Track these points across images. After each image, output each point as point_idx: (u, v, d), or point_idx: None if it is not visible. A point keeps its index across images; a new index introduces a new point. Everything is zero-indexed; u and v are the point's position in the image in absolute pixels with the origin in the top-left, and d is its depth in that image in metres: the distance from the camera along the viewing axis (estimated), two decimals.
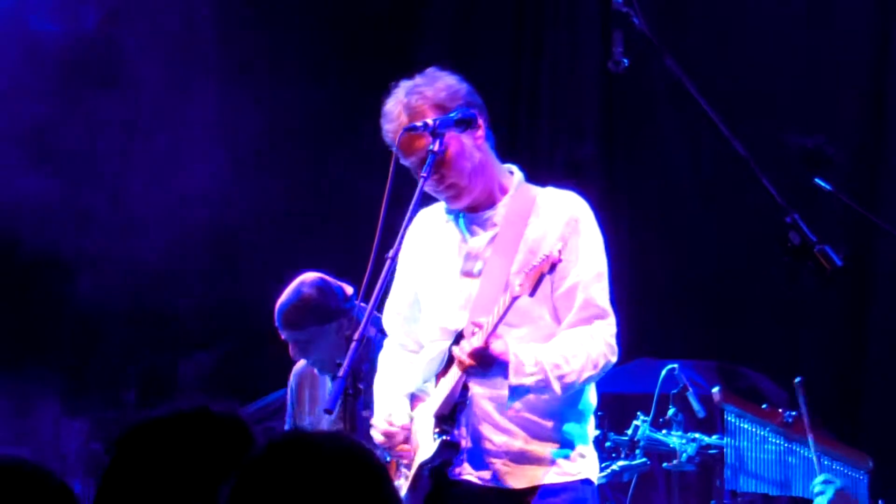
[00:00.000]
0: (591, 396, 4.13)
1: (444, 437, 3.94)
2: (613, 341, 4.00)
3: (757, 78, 6.51)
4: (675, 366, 5.39)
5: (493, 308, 3.87)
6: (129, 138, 6.77)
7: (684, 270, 6.24)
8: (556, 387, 3.90)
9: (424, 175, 3.94)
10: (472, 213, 4.11)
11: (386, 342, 4.33)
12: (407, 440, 4.05)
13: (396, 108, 4.04)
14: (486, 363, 3.88)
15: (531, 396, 3.94)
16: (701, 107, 5.87)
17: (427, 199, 4.05)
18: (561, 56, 6.61)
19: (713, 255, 6.41)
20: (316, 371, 5.36)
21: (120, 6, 6.77)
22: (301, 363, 5.43)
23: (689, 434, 5.35)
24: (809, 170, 5.97)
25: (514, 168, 4.18)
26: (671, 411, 5.39)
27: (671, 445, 5.31)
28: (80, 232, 6.60)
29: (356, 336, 3.76)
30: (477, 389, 3.98)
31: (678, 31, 6.62)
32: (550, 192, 4.12)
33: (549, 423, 4.02)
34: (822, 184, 5.79)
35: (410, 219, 3.89)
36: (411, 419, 4.08)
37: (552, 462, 4.01)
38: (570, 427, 4.05)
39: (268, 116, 6.89)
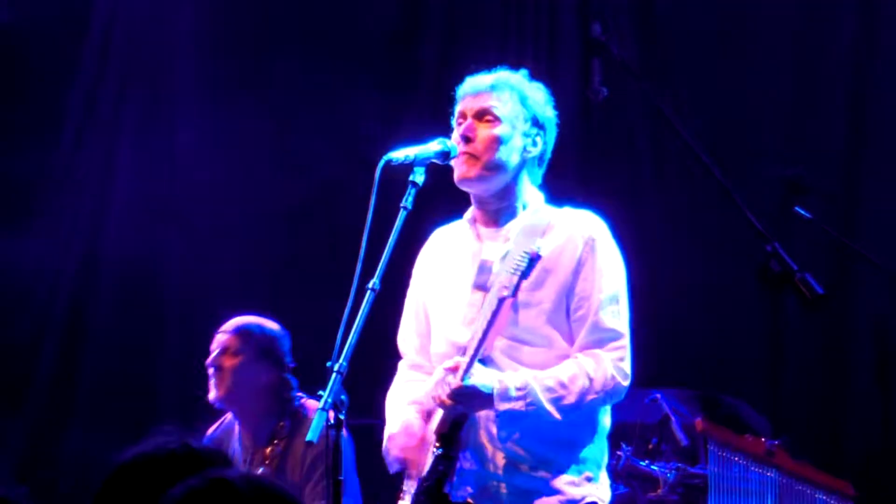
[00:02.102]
0: (604, 419, 4.05)
1: (438, 452, 3.91)
2: (624, 365, 3.94)
3: (738, 107, 6.52)
4: (658, 395, 5.38)
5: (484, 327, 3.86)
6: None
7: (666, 299, 6.24)
8: (552, 410, 3.85)
9: (406, 207, 3.94)
10: (487, 228, 4.10)
11: (399, 365, 4.29)
12: (423, 451, 3.98)
13: (486, 76, 4.11)
14: (470, 399, 3.86)
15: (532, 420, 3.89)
16: (681, 136, 5.89)
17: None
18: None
19: (695, 284, 6.41)
20: (234, 428, 5.24)
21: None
22: (208, 433, 5.28)
23: (671, 463, 5.34)
24: (789, 199, 5.99)
25: (538, 191, 4.17)
26: (654, 441, 5.37)
27: (654, 475, 5.30)
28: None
29: (336, 368, 3.73)
30: (480, 411, 3.95)
31: (659, 61, 6.63)
32: (566, 212, 4.11)
33: (555, 448, 3.95)
34: (802, 212, 5.81)
35: (391, 249, 3.87)
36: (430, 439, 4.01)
37: (556, 489, 3.93)
38: (577, 451, 3.97)
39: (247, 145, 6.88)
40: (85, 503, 2.26)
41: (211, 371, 5.13)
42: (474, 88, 4.10)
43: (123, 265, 6.73)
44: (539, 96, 4.13)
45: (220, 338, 5.18)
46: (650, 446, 5.37)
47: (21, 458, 6.56)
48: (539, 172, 4.14)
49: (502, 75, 4.12)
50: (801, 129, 6.48)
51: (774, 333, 6.38)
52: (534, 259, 3.83)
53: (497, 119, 4.04)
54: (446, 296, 4.11)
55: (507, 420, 3.87)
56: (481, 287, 4.01)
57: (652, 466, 5.31)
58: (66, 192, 6.75)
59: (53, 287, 6.72)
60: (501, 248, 4.03)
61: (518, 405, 3.84)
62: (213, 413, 5.28)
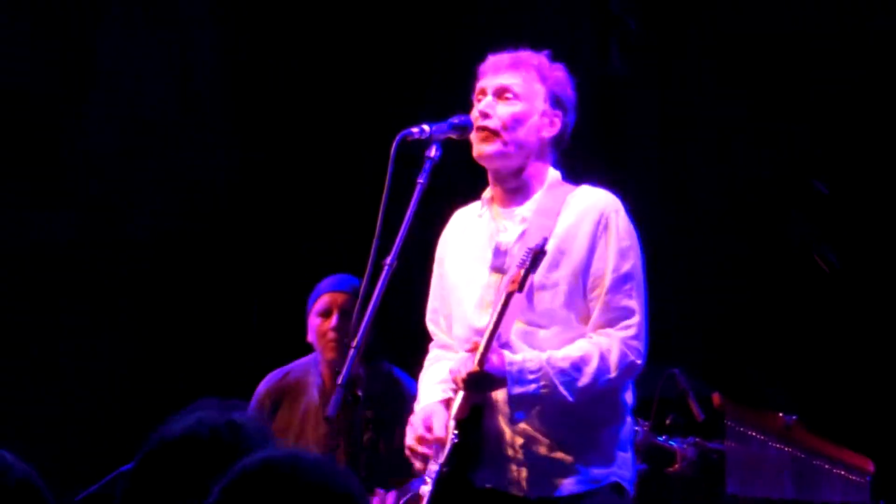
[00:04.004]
0: (626, 397, 4.04)
1: (455, 441, 3.92)
2: (637, 343, 3.92)
3: (756, 75, 6.46)
4: (675, 371, 5.37)
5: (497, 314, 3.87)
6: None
7: (685, 272, 6.23)
8: (566, 393, 3.84)
9: (421, 181, 3.94)
10: (504, 208, 4.10)
11: (430, 347, 4.30)
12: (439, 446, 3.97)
13: (505, 55, 4.10)
14: (485, 384, 3.88)
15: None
16: (699, 110, 5.87)
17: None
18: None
19: (714, 259, 6.40)
20: (309, 379, 5.24)
21: None
22: (273, 375, 5.28)
23: (689, 439, 5.34)
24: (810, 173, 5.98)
25: (553, 170, 4.17)
26: (671, 416, 5.37)
27: (671, 450, 5.30)
28: None
29: (354, 343, 3.74)
30: (498, 395, 3.94)
31: (677, 35, 6.60)
32: (583, 189, 4.10)
33: (575, 429, 3.94)
34: (820, 187, 5.80)
35: (408, 224, 3.87)
36: (448, 426, 3.99)
37: (577, 469, 3.92)
38: (598, 431, 3.97)
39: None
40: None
41: (334, 334, 5.13)
42: (495, 65, 4.09)
43: (150, 239, 6.75)
44: (560, 77, 4.11)
45: (338, 299, 5.18)
46: (667, 422, 5.36)
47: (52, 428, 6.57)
48: (557, 152, 4.13)
49: (524, 54, 4.11)
50: (821, 107, 6.42)
51: (794, 307, 6.36)
52: (538, 255, 3.84)
53: (517, 97, 4.03)
54: (465, 278, 4.10)
55: (522, 403, 3.87)
56: (499, 269, 4.01)
57: (669, 442, 5.31)
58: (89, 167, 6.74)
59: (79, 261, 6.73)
60: (517, 228, 4.02)
61: (531, 388, 3.84)
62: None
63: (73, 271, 6.63)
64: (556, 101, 4.07)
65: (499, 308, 3.86)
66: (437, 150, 3.98)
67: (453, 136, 4.04)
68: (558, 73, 4.11)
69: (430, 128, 3.98)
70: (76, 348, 6.64)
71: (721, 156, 6.42)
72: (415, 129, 3.97)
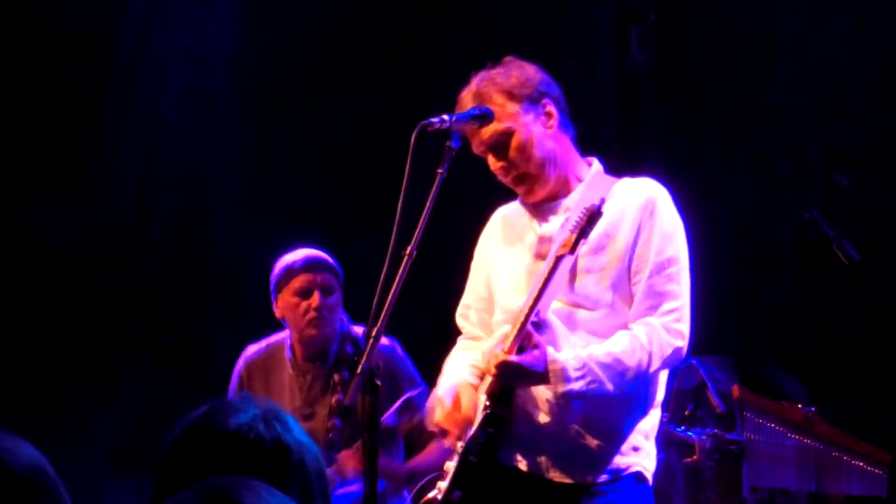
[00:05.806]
0: (656, 389, 4.04)
1: (488, 410, 3.91)
2: (680, 326, 3.90)
3: (780, 67, 6.46)
4: (695, 362, 5.38)
5: (548, 295, 3.85)
6: None
7: (703, 264, 6.23)
8: (611, 386, 3.83)
9: (442, 171, 3.93)
10: (547, 203, 4.09)
11: (459, 339, 4.28)
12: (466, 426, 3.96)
13: (467, 94, 4.05)
14: (520, 377, 3.85)
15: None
16: (718, 100, 5.86)
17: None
18: (579, 57, 6.59)
19: (733, 251, 6.40)
20: (281, 354, 5.25)
21: None
22: (251, 349, 5.32)
23: (708, 430, 5.35)
24: (828, 165, 5.97)
25: (594, 160, 4.15)
26: (690, 407, 5.38)
27: (690, 441, 5.31)
28: None
29: (374, 333, 3.74)
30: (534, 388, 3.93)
31: (697, 24, 6.59)
32: (627, 180, 4.08)
33: (605, 416, 3.92)
34: (839, 179, 5.79)
35: (428, 214, 3.86)
36: (478, 402, 3.97)
37: (602, 457, 3.92)
38: (626, 420, 3.95)
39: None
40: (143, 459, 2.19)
41: (316, 313, 5.13)
42: (469, 125, 4.00)
43: (170, 224, 6.77)
44: (518, 74, 4.04)
45: (318, 278, 5.17)
46: (686, 412, 5.37)
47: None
48: (571, 131, 4.11)
49: (479, 86, 4.03)
50: (839, 90, 6.41)
51: (812, 301, 6.35)
52: (594, 214, 3.80)
53: (506, 134, 3.99)
54: (508, 268, 4.08)
55: (569, 400, 3.84)
56: (542, 256, 3.98)
57: (688, 433, 5.32)
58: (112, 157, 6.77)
59: (102, 250, 6.76)
60: (561, 217, 4.00)
61: (579, 385, 3.81)
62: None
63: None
64: (533, 98, 4.02)
65: (546, 272, 3.84)
66: (457, 140, 3.97)
67: (474, 125, 4.03)
68: (514, 71, 4.04)
69: (450, 118, 3.96)
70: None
71: (741, 146, 6.42)
72: (435, 120, 3.95)
